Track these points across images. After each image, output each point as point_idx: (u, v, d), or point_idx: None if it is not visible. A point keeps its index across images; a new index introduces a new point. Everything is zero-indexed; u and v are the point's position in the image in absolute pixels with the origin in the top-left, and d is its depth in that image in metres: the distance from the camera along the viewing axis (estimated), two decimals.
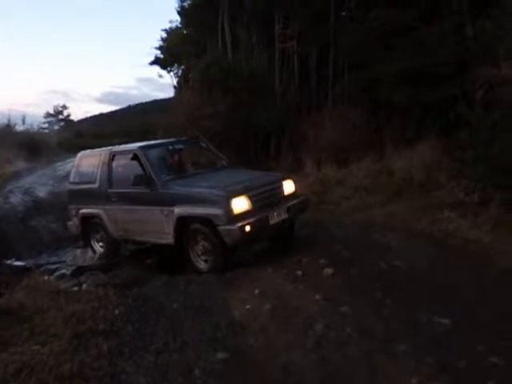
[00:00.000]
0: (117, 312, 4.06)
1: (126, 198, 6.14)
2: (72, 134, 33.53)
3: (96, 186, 6.55)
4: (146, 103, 53.67)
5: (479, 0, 6.38)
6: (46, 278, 5.47)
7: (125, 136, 32.06)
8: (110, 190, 6.35)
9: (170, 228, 5.51)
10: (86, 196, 6.79)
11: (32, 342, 3.54)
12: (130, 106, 58.70)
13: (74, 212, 7.09)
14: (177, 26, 27.40)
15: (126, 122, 40.56)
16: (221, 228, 5.01)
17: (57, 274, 6.31)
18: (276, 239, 6.13)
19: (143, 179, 5.70)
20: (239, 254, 5.56)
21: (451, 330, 3.36)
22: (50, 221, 9.36)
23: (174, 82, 31.60)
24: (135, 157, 5.99)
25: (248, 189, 5.32)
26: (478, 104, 5.77)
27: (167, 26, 29.13)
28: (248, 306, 4.07)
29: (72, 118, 45.03)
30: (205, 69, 14.66)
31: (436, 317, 3.54)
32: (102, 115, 57.96)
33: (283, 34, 15.72)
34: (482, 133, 5.63)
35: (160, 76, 41.01)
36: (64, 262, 7.09)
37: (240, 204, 5.10)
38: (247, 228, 4.96)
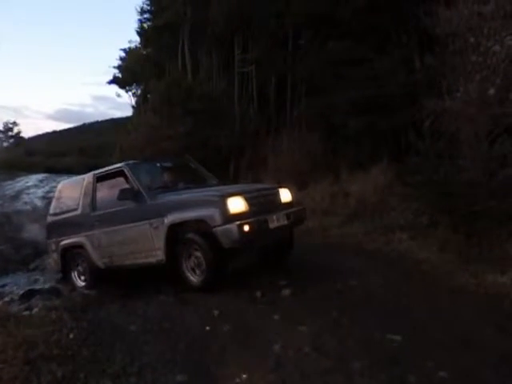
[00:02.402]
0: (71, 336, 3.93)
1: (110, 219, 5.75)
2: (23, 152, 32.36)
3: (78, 212, 6.14)
4: (103, 122, 52.75)
5: (426, 36, 6.88)
6: None
7: (80, 155, 31.39)
8: (93, 214, 5.97)
9: (160, 242, 5.18)
10: (67, 226, 6.32)
11: None
12: (85, 123, 57.47)
13: (53, 247, 6.53)
14: (136, 46, 27.46)
15: (80, 141, 39.67)
16: (217, 229, 4.70)
17: (6, 298, 6.00)
18: (272, 253, 5.86)
19: (129, 193, 5.42)
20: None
21: (403, 346, 3.50)
22: None
23: (133, 101, 31.39)
24: (121, 173, 5.75)
25: (244, 191, 5.14)
26: (425, 133, 6.15)
27: (126, 45, 29.14)
28: (207, 328, 4.07)
29: (23, 135, 43.64)
30: (165, 90, 14.73)
31: (389, 334, 3.68)
32: (55, 133, 56.32)
33: (243, 59, 16.11)
34: (429, 160, 6.01)
35: (118, 95, 40.53)
36: (13, 285, 6.75)
37: (236, 204, 4.82)
38: (246, 227, 4.65)
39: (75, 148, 35.09)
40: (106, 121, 51.53)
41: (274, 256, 5.91)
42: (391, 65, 10.05)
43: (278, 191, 5.58)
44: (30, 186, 18.42)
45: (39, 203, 14.61)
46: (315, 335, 3.77)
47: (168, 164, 6.57)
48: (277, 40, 15.15)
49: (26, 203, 14.58)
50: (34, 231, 10.14)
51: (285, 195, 5.64)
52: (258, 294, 4.82)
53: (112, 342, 3.90)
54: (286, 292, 4.82)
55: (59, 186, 6.93)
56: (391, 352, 3.44)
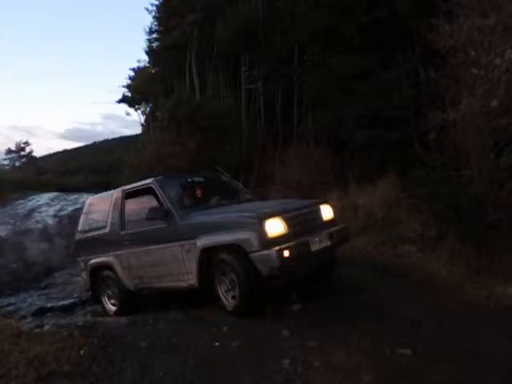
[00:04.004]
0: (82, 352, 3.96)
1: (140, 239, 5.45)
2: (34, 171, 32.86)
3: (107, 230, 5.86)
4: (113, 140, 53.50)
5: (430, 49, 6.95)
6: (7, 319, 5.25)
7: (90, 173, 31.81)
8: (122, 233, 5.67)
9: (192, 266, 4.82)
10: (95, 244, 6.04)
11: None
12: (95, 142, 58.29)
13: (82, 265, 6.23)
14: (145, 66, 27.93)
15: (91, 159, 40.25)
16: (254, 255, 4.28)
17: (18, 315, 6.08)
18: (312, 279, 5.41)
19: (159, 212, 5.08)
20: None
21: (412, 360, 3.49)
22: (10, 261, 9.07)
23: (142, 119, 31.82)
24: (150, 190, 5.43)
25: (282, 211, 4.67)
26: (431, 145, 6.18)
27: (135, 65, 29.69)
28: (217, 343, 4.08)
29: (35, 154, 44.15)
30: (173, 107, 14.95)
31: (398, 348, 3.66)
32: (66, 152, 57.16)
33: (249, 76, 16.32)
34: (436, 172, 6.02)
35: (127, 114, 41.15)
36: (25, 302, 6.84)
37: (275, 226, 4.39)
38: (286, 253, 4.19)
39: (86, 166, 35.62)
40: (116, 139, 52.26)
41: (313, 278, 5.49)
42: (396, 78, 10.13)
43: (318, 208, 5.13)
44: (42, 205, 18.68)
45: (50, 221, 14.81)
46: (324, 350, 3.77)
47: (199, 178, 6.16)
48: (283, 56, 15.34)
49: (37, 222, 14.78)
50: (45, 250, 10.28)
51: (326, 212, 5.19)
52: (267, 309, 4.81)
53: (122, 357, 3.92)
54: (296, 307, 4.80)
55: (87, 202, 6.63)
56: (401, 366, 3.43)
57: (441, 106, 5.50)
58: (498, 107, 4.61)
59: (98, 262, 5.96)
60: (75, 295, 7.12)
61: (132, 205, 5.74)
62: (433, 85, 5.95)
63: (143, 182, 5.67)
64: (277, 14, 15.29)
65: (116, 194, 5.98)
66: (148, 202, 5.36)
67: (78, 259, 6.33)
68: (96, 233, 6.05)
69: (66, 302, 6.66)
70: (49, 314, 6.10)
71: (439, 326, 4.12)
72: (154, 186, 5.39)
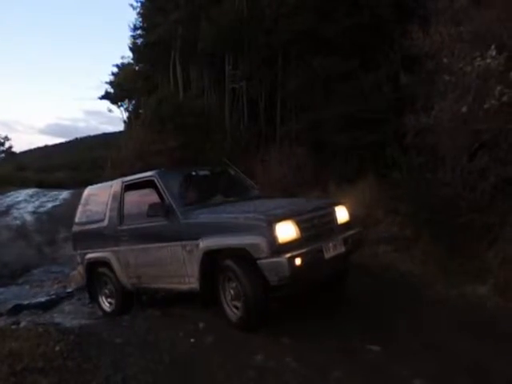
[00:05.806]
0: (57, 348, 3.97)
1: (139, 235, 5.12)
2: (13, 167, 32.26)
3: (105, 224, 5.51)
4: (95, 136, 52.91)
5: (408, 54, 7.10)
6: None
7: (71, 169, 31.42)
8: (120, 228, 5.33)
9: (193, 269, 4.47)
10: (93, 238, 5.70)
11: None
12: (77, 138, 57.65)
13: (79, 259, 5.93)
14: (129, 62, 27.69)
15: (72, 155, 39.75)
16: (262, 262, 3.88)
17: None
18: (323, 287, 4.98)
19: (160, 208, 4.72)
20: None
21: (381, 356, 3.61)
22: None
23: (125, 116, 31.55)
24: (151, 184, 5.05)
25: (295, 213, 4.27)
26: (407, 147, 6.33)
27: (119, 61, 29.39)
28: (192, 340, 4.14)
29: (14, 149, 43.28)
30: (156, 105, 14.88)
31: (368, 344, 3.78)
32: (47, 147, 56.33)
33: (233, 75, 16.35)
34: (411, 174, 6.17)
35: (110, 110, 40.66)
36: (1, 300, 6.77)
37: (286, 231, 3.99)
38: (297, 261, 3.82)
39: (67, 163, 35.18)
40: (98, 135, 51.65)
41: (323, 288, 5.06)
42: (376, 80, 10.29)
43: (333, 210, 4.72)
44: (20, 201, 18.40)
45: (29, 218, 14.63)
46: (297, 346, 3.87)
47: (204, 172, 5.77)
48: (267, 56, 15.40)
49: (15, 218, 14.58)
50: (23, 246, 10.17)
51: (341, 214, 4.79)
52: None
53: (97, 354, 3.94)
54: (272, 305, 4.87)
55: (85, 192, 6.17)
56: (370, 362, 3.55)
57: (416, 110, 5.65)
58: (468, 113, 4.76)
59: (95, 258, 5.67)
60: (52, 292, 7.08)
61: (132, 198, 5.39)
62: (409, 89, 6.10)
63: (144, 174, 5.32)
64: (261, 14, 15.34)
65: (115, 186, 5.61)
66: (149, 195, 5.03)
67: (75, 252, 6.06)
68: (94, 226, 5.71)
69: (43, 299, 6.60)
70: (25, 311, 6.05)
71: (410, 324, 4.26)
72: (155, 179, 5.01)
